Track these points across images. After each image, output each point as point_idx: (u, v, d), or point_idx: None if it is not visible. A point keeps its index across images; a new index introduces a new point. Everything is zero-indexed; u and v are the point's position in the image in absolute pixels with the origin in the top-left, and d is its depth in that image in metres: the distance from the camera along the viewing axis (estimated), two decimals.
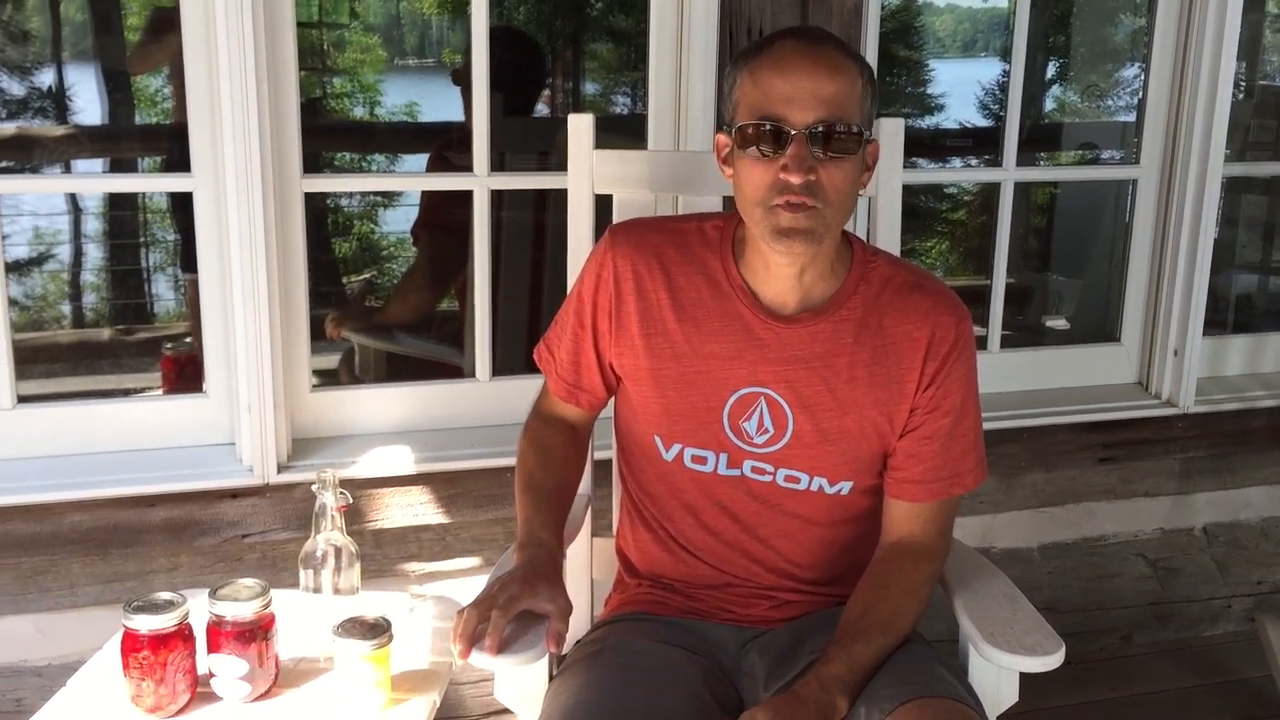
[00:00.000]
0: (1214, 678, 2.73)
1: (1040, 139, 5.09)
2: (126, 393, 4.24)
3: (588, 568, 1.86)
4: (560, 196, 1.90)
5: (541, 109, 6.11)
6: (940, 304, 1.55)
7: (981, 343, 2.68)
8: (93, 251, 5.53)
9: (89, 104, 4.87)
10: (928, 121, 7.33)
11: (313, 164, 2.30)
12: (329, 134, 5.17)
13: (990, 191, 2.76)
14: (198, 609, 1.55)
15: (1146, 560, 2.80)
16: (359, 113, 7.12)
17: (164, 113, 5.09)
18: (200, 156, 2.11)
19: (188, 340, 2.94)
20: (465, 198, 2.31)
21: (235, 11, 1.98)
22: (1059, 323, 4.08)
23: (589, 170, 1.82)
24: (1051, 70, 5.87)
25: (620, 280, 1.59)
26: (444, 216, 3.09)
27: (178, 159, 2.18)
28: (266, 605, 1.54)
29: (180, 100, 2.13)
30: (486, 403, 2.35)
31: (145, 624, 1.49)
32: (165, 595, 1.54)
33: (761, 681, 1.55)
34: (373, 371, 3.25)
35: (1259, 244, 4.02)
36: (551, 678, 1.55)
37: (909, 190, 1.93)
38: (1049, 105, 5.96)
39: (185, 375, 2.69)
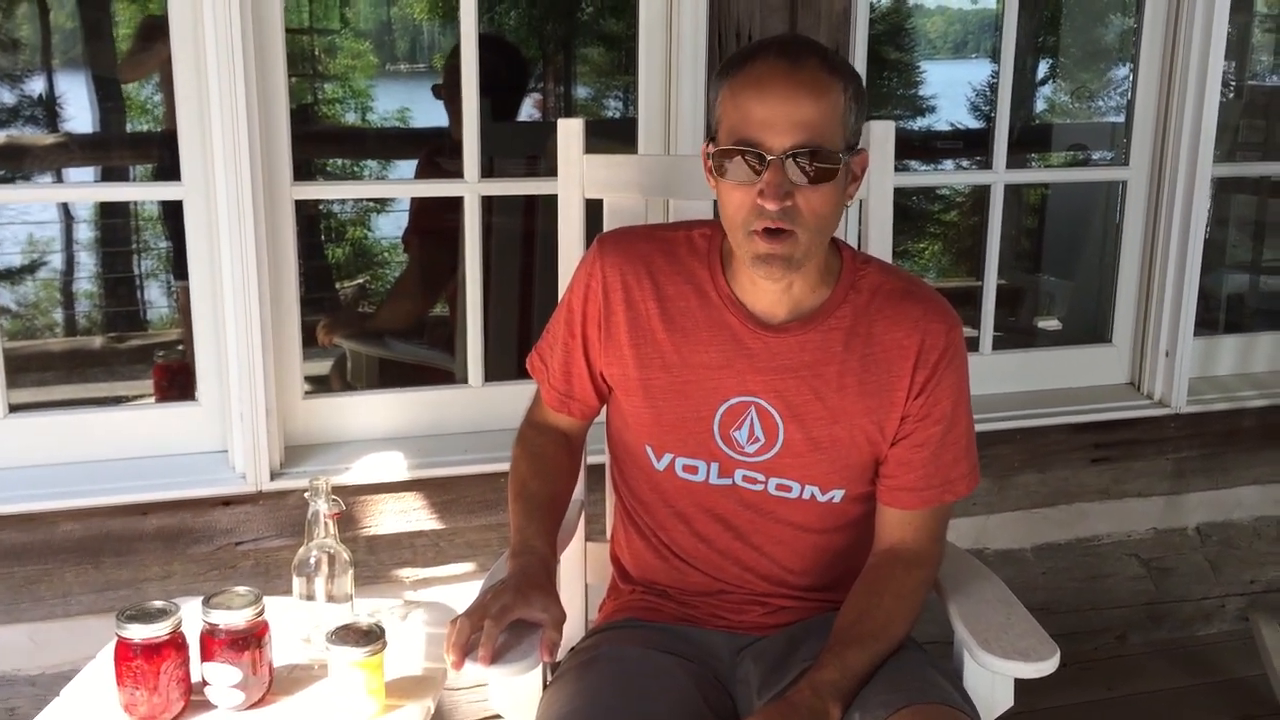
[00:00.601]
0: (1209, 677, 2.73)
1: (1031, 140, 5.10)
2: (119, 401, 4.23)
3: (582, 573, 1.86)
4: (550, 201, 1.90)
5: (533, 113, 6.12)
6: (931, 311, 1.55)
7: (973, 344, 2.69)
8: (85, 259, 5.52)
9: (79, 112, 4.86)
10: (919, 123, 7.35)
11: (304, 170, 2.30)
12: (320, 140, 5.18)
13: (981, 193, 2.76)
14: (191, 617, 1.54)
15: (1140, 560, 2.80)
16: (350, 118, 7.13)
17: (155, 120, 5.08)
18: (190, 164, 2.11)
19: (180, 348, 2.94)
20: (456, 203, 2.31)
21: (224, 19, 1.98)
22: (1051, 323, 4.09)
23: (579, 175, 1.82)
24: (1042, 71, 5.88)
25: (609, 290, 1.59)
26: (435, 222, 3.09)
27: (168, 166, 2.18)
28: (260, 613, 1.54)
29: (170, 108, 2.14)
30: (479, 408, 2.35)
31: (138, 633, 1.48)
32: (158, 604, 1.53)
33: (755, 688, 1.55)
34: (365, 378, 3.25)
35: (1249, 243, 4.04)
36: (545, 685, 1.55)
37: (900, 192, 1.93)
38: (1039, 106, 5.97)
39: (177, 383, 2.68)
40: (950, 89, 7.75)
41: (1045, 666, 1.46)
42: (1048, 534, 2.72)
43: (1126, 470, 2.74)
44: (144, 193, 4.30)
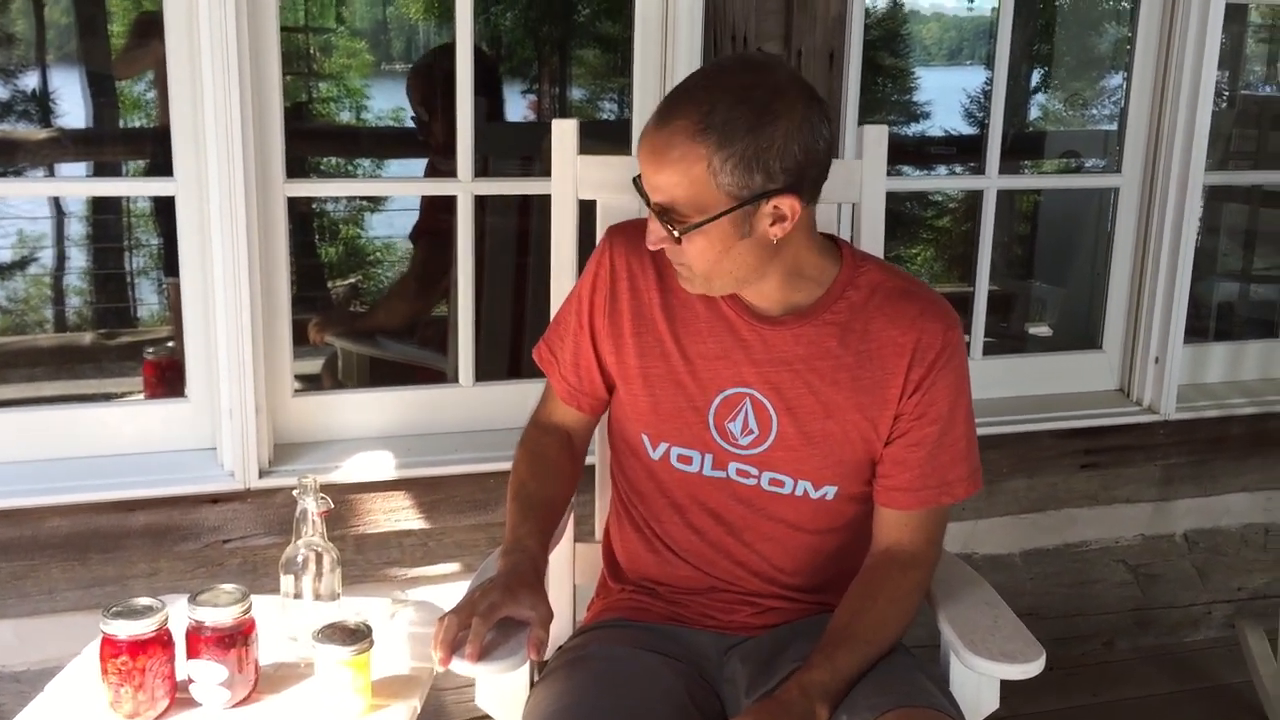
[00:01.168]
0: (1195, 683, 2.74)
1: (1024, 147, 5.11)
2: (108, 397, 4.22)
3: (570, 573, 1.86)
4: (544, 201, 1.90)
5: (527, 114, 6.12)
6: (928, 310, 1.55)
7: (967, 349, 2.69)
8: (75, 255, 5.51)
9: (73, 107, 4.85)
10: (913, 129, 7.36)
11: (298, 169, 2.29)
12: (314, 138, 5.17)
13: (974, 199, 2.77)
14: (177, 614, 1.54)
15: (1127, 566, 2.81)
16: (345, 117, 7.11)
17: (149, 116, 5.07)
18: (183, 161, 2.10)
19: (170, 345, 2.93)
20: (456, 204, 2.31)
21: (219, 16, 1.98)
22: (1042, 329, 4.10)
23: (573, 175, 1.82)
24: (1035, 78, 5.90)
25: (616, 278, 1.61)
26: (441, 223, 3.09)
27: (161, 163, 2.17)
28: (246, 611, 1.54)
29: (164, 104, 2.13)
30: (469, 408, 2.35)
31: (124, 629, 1.48)
32: (144, 601, 1.53)
33: (743, 689, 1.55)
34: (356, 376, 3.25)
35: (1240, 252, 4.05)
36: (533, 684, 1.55)
37: (893, 197, 1.93)
38: (1033, 113, 5.99)
39: (167, 380, 2.68)
40: (944, 95, 7.77)
41: (1031, 668, 1.46)
42: (1036, 539, 2.73)
43: (1115, 476, 2.74)
44: (136, 188, 4.28)
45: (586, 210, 1.85)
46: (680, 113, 1.41)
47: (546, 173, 1.85)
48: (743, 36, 2.26)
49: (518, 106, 5.96)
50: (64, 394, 4.05)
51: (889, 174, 1.87)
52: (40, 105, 5.17)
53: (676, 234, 1.44)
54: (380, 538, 2.26)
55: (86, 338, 4.85)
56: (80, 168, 4.69)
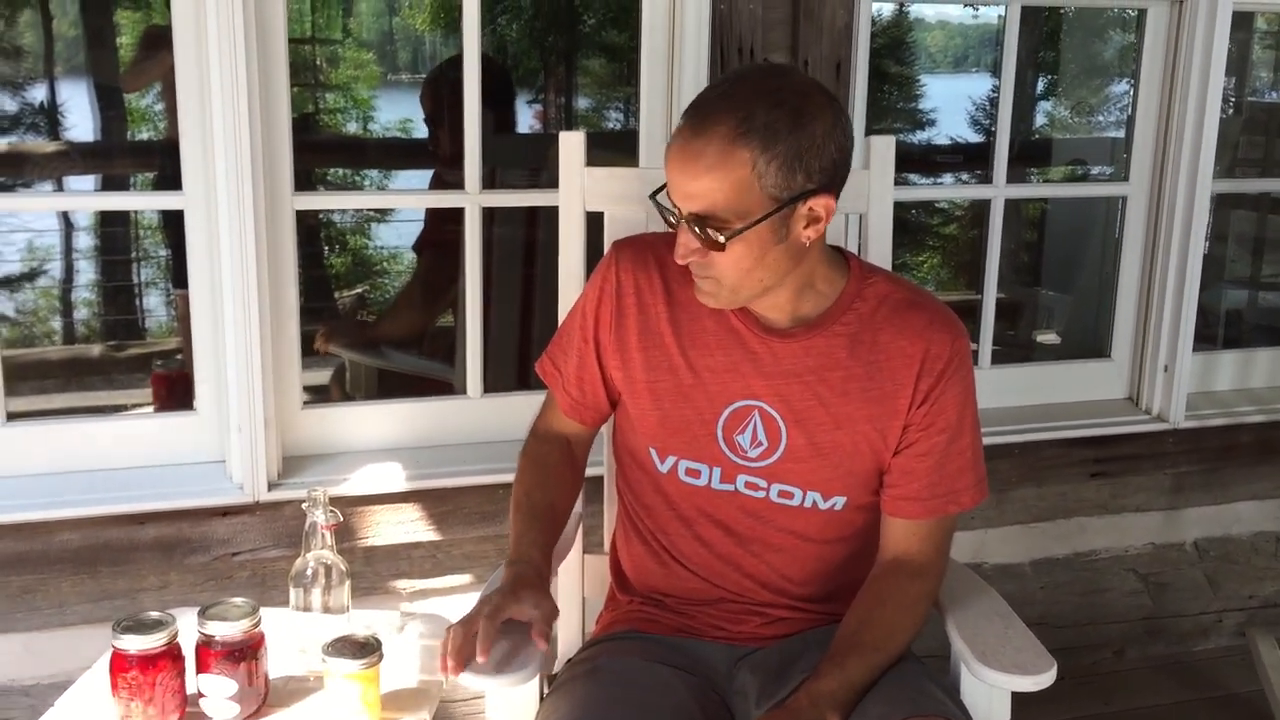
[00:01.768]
0: (1206, 692, 2.73)
1: (1031, 155, 5.11)
2: (117, 409, 4.23)
3: (579, 585, 1.86)
4: (551, 213, 1.90)
5: (534, 125, 6.13)
6: (936, 321, 1.55)
7: (972, 358, 2.68)
8: (84, 267, 5.53)
9: (81, 120, 4.87)
10: (919, 137, 7.37)
11: (305, 180, 2.30)
12: (322, 150, 5.18)
13: (981, 207, 2.76)
14: (187, 628, 1.54)
15: (1138, 575, 2.80)
16: (352, 128, 7.14)
17: (157, 129, 5.09)
18: (191, 174, 2.11)
19: (179, 357, 2.94)
20: (461, 214, 2.31)
21: (227, 29, 1.99)
22: (1049, 337, 4.09)
23: (580, 187, 1.82)
24: (1042, 86, 5.90)
25: (622, 293, 1.60)
26: (445, 234, 3.10)
27: (170, 175, 2.18)
28: (256, 624, 1.54)
29: (172, 117, 2.14)
30: (478, 419, 2.35)
31: (134, 644, 1.48)
32: (154, 615, 1.53)
33: (754, 700, 1.55)
34: (364, 388, 3.25)
35: (1248, 259, 4.04)
36: (542, 697, 1.54)
37: (900, 205, 1.93)
38: (1039, 121, 5.99)
39: (176, 392, 2.69)
40: (950, 103, 7.77)
41: (1042, 680, 1.46)
42: (1046, 548, 2.72)
43: (1125, 485, 2.73)
44: (145, 202, 4.30)
45: (594, 222, 1.85)
46: (716, 119, 1.40)
47: (554, 184, 1.85)
48: (749, 47, 2.26)
49: (524, 116, 5.97)
50: (73, 406, 4.06)
51: (895, 183, 1.87)
52: (49, 118, 5.19)
53: (722, 239, 1.42)
54: (389, 550, 2.26)
55: (95, 350, 4.86)
56: (88, 181, 4.71)
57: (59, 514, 2.08)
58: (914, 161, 5.51)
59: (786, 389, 1.55)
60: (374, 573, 2.26)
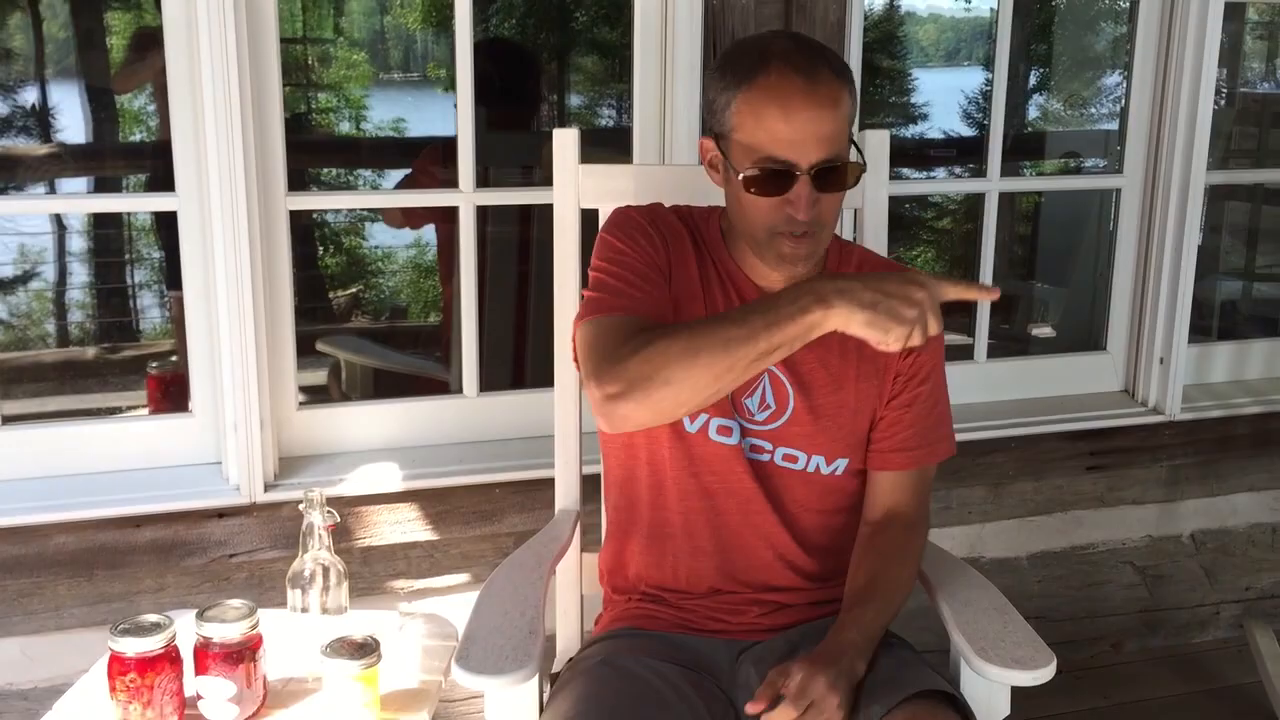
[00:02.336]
0: (1204, 684, 2.73)
1: (1024, 148, 5.11)
2: (112, 412, 4.22)
3: (578, 583, 1.86)
4: (545, 211, 1.90)
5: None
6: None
7: (968, 352, 2.69)
8: (78, 269, 5.51)
9: (73, 122, 4.86)
10: (912, 131, 7.36)
11: (298, 179, 2.29)
12: (315, 150, 5.17)
13: (975, 200, 2.76)
14: (185, 630, 1.54)
15: (1135, 568, 2.80)
16: (345, 127, 7.13)
17: (149, 130, 5.08)
18: (184, 175, 2.10)
19: (173, 359, 2.93)
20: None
21: (218, 29, 1.98)
22: (1044, 330, 4.09)
23: (575, 185, 1.82)
24: (1035, 79, 5.90)
25: (669, 246, 1.58)
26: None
27: (162, 176, 2.17)
28: (254, 626, 1.54)
29: (164, 118, 2.13)
30: (474, 419, 2.35)
31: (131, 646, 1.47)
32: (151, 617, 1.52)
33: (757, 693, 1.55)
34: (360, 388, 3.24)
35: (1242, 250, 4.05)
36: (543, 697, 1.54)
37: (893, 199, 1.93)
38: (1032, 114, 5.99)
39: (171, 394, 2.68)
40: (943, 96, 7.77)
41: (1042, 674, 1.46)
42: (1043, 542, 2.72)
43: (1121, 478, 2.74)
44: (138, 204, 4.28)
45: (589, 220, 1.84)
46: (818, 59, 1.44)
47: (547, 181, 1.85)
48: None
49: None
50: (68, 409, 4.05)
51: (889, 177, 1.87)
52: (40, 120, 5.18)
53: (855, 178, 1.45)
54: (387, 550, 2.26)
55: (89, 352, 4.86)
56: (81, 183, 4.70)
57: (54, 517, 2.08)
58: (908, 156, 5.52)
59: (795, 353, 1.52)
60: (372, 573, 2.25)
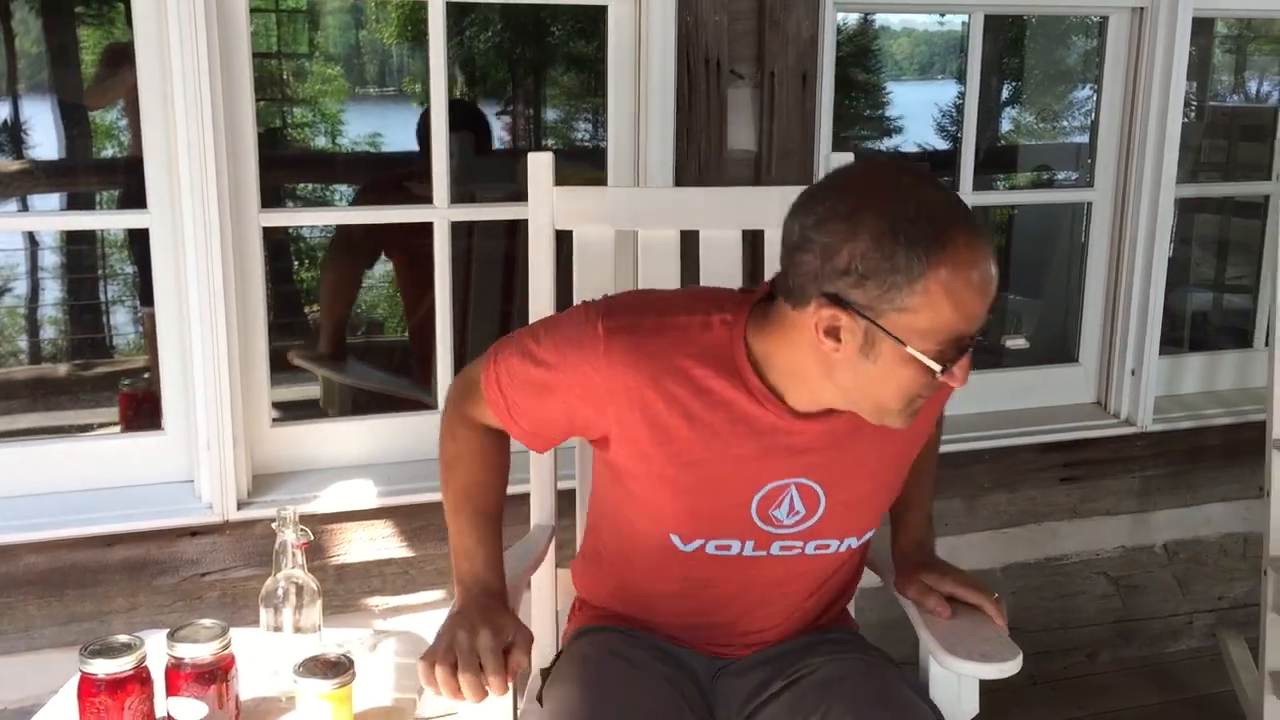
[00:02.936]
0: (1179, 694, 2.75)
1: (997, 161, 5.15)
2: (84, 429, 4.19)
3: (552, 599, 1.86)
4: (520, 227, 1.90)
5: (503, 137, 6.11)
6: None
7: None
8: (50, 285, 5.47)
9: (45, 138, 4.83)
10: (886, 144, 7.40)
11: (273, 195, 2.28)
12: (289, 165, 5.15)
13: None
14: (156, 651, 1.52)
15: (1109, 578, 2.82)
16: (320, 142, 7.10)
17: (122, 146, 5.05)
18: (156, 191, 2.09)
19: (146, 376, 2.91)
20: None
21: (190, 45, 1.97)
22: (1018, 342, 4.11)
23: (549, 207, 1.82)
24: (1007, 92, 5.94)
25: (622, 400, 1.42)
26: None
27: (135, 193, 2.16)
28: (226, 646, 1.53)
29: (137, 134, 2.12)
30: None
31: (102, 668, 1.46)
32: (122, 638, 1.51)
33: (738, 705, 1.55)
34: (337, 404, 3.23)
35: (1213, 261, 4.09)
36: (516, 711, 1.54)
37: None
38: (1005, 127, 6.03)
39: (143, 412, 2.66)
40: (917, 110, 7.82)
41: (1008, 667, 1.47)
42: (1017, 553, 2.73)
43: (1095, 489, 2.75)
44: (109, 221, 4.26)
45: (563, 240, 1.85)
46: (973, 219, 1.34)
47: (522, 197, 1.85)
48: (715, 60, 2.26)
49: (495, 128, 5.96)
50: (39, 426, 4.02)
51: None
52: (12, 136, 5.14)
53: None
54: (361, 567, 2.25)
55: (62, 369, 4.81)
56: (53, 199, 4.67)
57: (25, 537, 2.06)
58: None
59: (824, 460, 1.47)
60: (346, 590, 2.24)
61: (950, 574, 1.63)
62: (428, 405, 2.62)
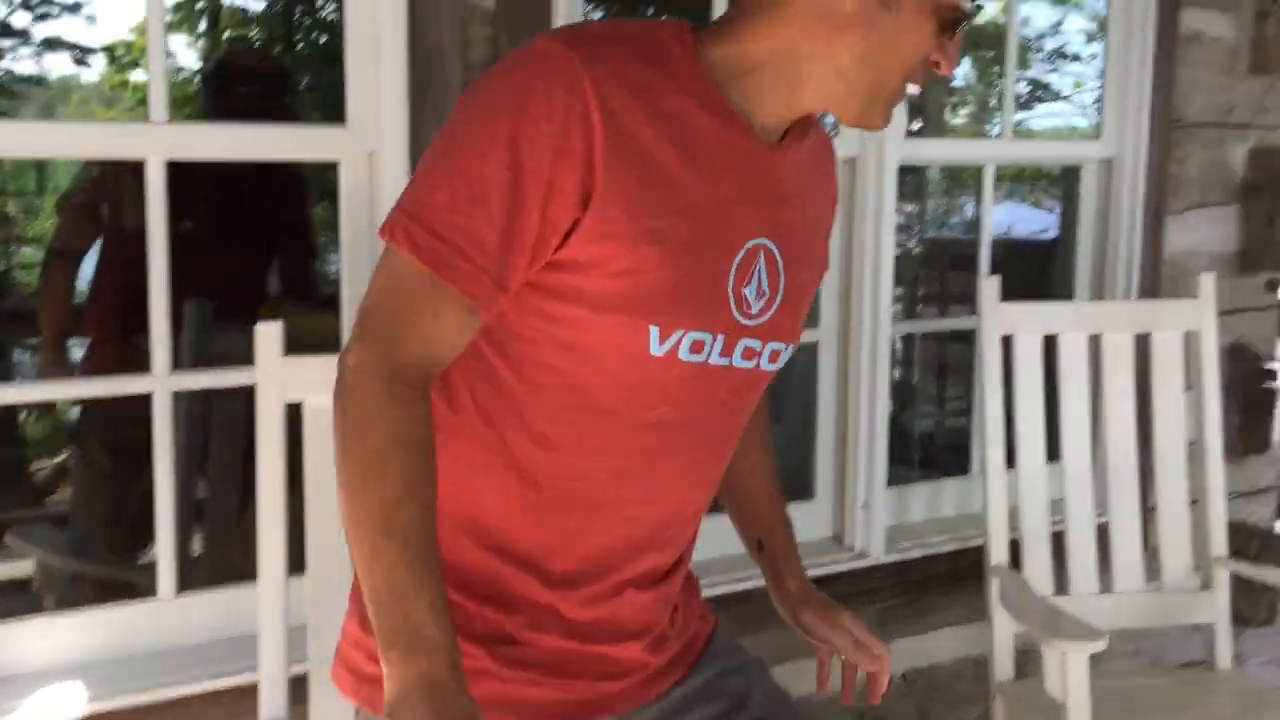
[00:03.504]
0: None
1: None
2: None
3: None
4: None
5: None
6: None
7: None
8: None
9: None
10: None
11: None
12: (11, 319, 4.82)
13: None
14: None
15: (853, 712, 2.88)
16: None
17: None
18: None
19: None
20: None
21: None
22: None
23: (279, 378, 1.73)
24: None
25: (611, 118, 1.15)
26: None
27: None
28: None
29: None
30: (172, 624, 2.18)
31: None
32: None
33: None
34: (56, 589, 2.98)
35: (936, 384, 4.37)
36: None
37: None
38: None
39: None
40: None
41: None
42: None
43: None
44: None
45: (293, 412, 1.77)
46: None
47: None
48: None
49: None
50: None
51: None
52: None
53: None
54: None
55: None
56: None
57: None
58: None
59: (784, 217, 1.29)
60: None
61: (858, 620, 1.67)
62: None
